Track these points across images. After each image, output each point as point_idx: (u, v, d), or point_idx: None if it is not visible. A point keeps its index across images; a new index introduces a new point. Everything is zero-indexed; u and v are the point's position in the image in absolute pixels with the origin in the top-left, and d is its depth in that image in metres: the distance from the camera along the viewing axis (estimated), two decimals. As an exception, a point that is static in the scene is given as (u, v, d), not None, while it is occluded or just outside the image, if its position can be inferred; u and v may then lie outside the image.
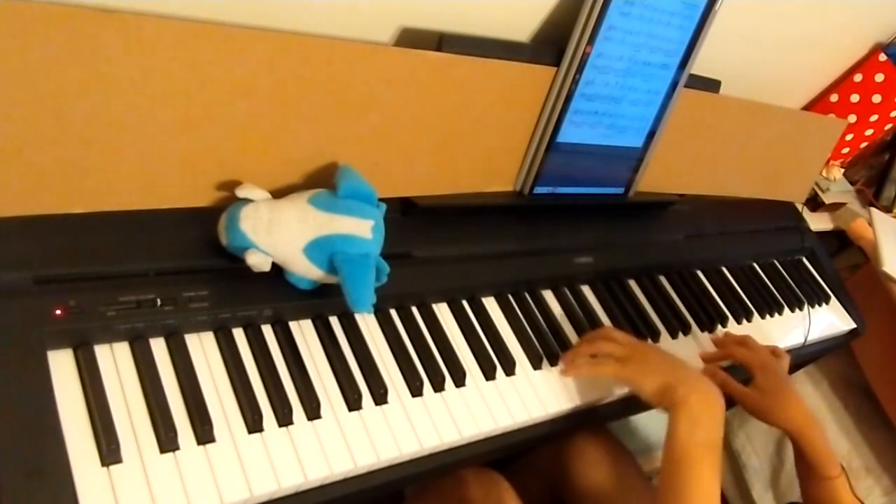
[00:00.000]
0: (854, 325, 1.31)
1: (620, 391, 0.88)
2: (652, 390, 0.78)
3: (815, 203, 1.46)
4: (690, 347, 1.01)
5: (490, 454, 0.78)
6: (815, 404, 1.53)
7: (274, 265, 0.69)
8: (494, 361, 0.82)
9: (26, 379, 0.56)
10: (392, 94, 0.76)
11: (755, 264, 1.26)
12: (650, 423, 1.25)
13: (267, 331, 0.71)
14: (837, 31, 1.25)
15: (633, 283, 1.05)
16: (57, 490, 0.53)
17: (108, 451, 0.56)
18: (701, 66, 0.98)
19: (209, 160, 0.70)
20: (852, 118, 1.39)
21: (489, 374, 0.80)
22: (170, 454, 0.59)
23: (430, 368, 0.77)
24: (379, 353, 0.75)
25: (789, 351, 1.15)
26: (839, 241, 1.61)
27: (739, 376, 0.95)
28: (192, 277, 0.67)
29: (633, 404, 0.92)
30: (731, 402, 1.67)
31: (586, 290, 0.98)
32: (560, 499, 1.06)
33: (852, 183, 1.54)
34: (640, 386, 0.79)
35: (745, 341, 1.00)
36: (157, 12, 0.64)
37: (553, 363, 0.86)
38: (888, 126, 1.43)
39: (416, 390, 0.74)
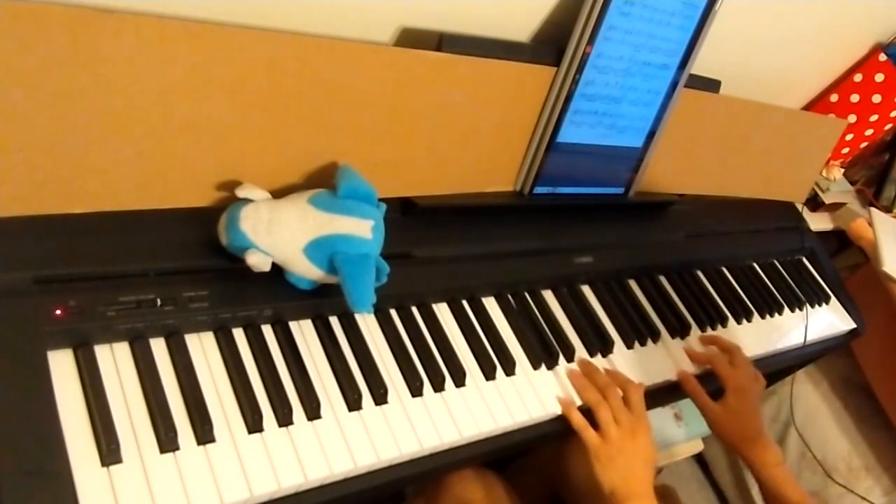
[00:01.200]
0: (854, 325, 1.31)
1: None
2: (603, 482, 0.79)
3: (815, 203, 1.46)
4: (690, 347, 1.01)
5: (490, 454, 0.78)
6: (815, 404, 1.53)
7: (274, 265, 0.69)
8: (494, 361, 0.82)
9: (26, 379, 0.56)
10: (392, 94, 0.76)
11: (755, 264, 1.26)
12: (649, 424, 1.25)
13: (267, 331, 0.71)
14: (837, 31, 1.25)
15: (633, 283, 1.05)
16: (57, 490, 0.53)
17: (108, 451, 0.56)
18: (701, 66, 0.98)
19: (209, 160, 0.70)
20: (852, 118, 1.39)
21: (489, 374, 0.80)
22: (170, 454, 0.59)
23: (430, 368, 0.77)
24: (379, 353, 0.75)
25: (789, 351, 1.16)
26: (839, 241, 1.61)
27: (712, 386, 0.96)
28: (192, 277, 0.67)
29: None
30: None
31: (586, 290, 0.98)
32: (560, 499, 1.06)
33: (852, 183, 1.54)
34: (598, 473, 0.79)
35: (732, 353, 0.99)
36: (157, 12, 0.64)
37: (552, 364, 0.86)
38: (888, 126, 1.43)
39: (416, 390, 0.74)
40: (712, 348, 1.01)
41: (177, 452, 0.60)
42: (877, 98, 1.36)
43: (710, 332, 1.06)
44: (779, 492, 0.92)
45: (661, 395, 0.96)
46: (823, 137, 1.35)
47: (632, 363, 0.93)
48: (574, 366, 0.88)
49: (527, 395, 0.81)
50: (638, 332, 0.97)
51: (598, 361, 0.90)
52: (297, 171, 0.76)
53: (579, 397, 0.84)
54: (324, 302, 0.74)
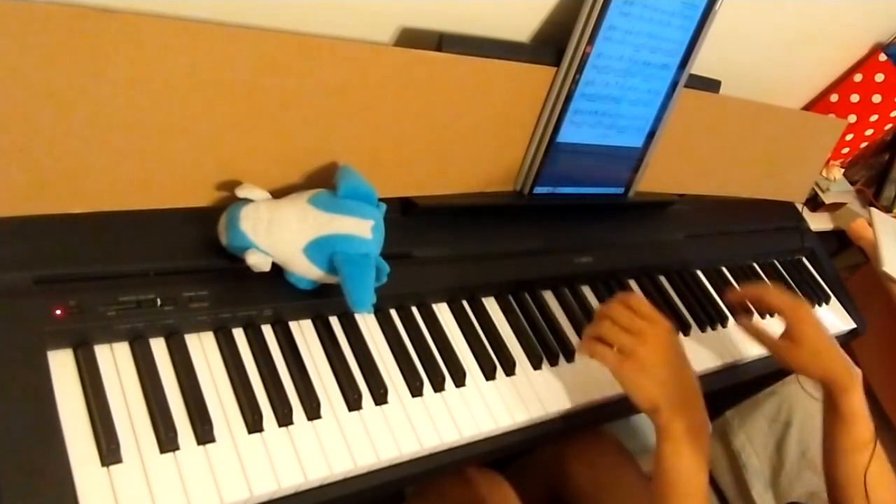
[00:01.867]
0: (854, 325, 1.31)
1: (620, 390, 0.88)
2: (640, 403, 0.74)
3: (815, 203, 1.46)
4: (690, 347, 1.01)
5: (490, 454, 0.77)
6: (815, 404, 1.53)
7: (274, 265, 0.69)
8: (494, 361, 0.82)
9: (26, 379, 0.56)
10: (392, 93, 0.76)
11: (755, 264, 1.26)
12: (650, 423, 1.25)
13: (267, 331, 0.71)
14: (837, 31, 1.25)
15: (633, 283, 1.05)
16: (57, 490, 0.53)
17: (108, 451, 0.56)
18: (701, 66, 0.98)
19: (209, 160, 0.70)
20: (852, 118, 1.39)
21: (489, 374, 0.80)
22: (170, 454, 0.59)
23: (430, 368, 0.77)
24: (379, 353, 0.75)
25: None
26: (839, 241, 1.61)
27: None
28: (192, 277, 0.67)
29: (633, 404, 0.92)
30: (731, 402, 1.67)
31: (586, 290, 0.98)
32: (560, 499, 1.06)
33: (852, 183, 1.54)
34: (630, 394, 0.75)
35: (769, 290, 0.94)
36: (157, 12, 0.64)
37: (553, 364, 0.86)
38: (888, 126, 1.43)
39: (416, 390, 0.74)
40: (755, 287, 0.96)
41: (177, 452, 0.60)
42: (877, 98, 1.36)
43: (710, 332, 1.06)
44: (851, 423, 0.84)
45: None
46: (823, 137, 1.35)
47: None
48: (575, 364, 0.87)
49: (527, 395, 0.81)
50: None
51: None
52: (297, 171, 0.76)
53: (593, 333, 0.79)
54: (324, 302, 0.74)
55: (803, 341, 0.87)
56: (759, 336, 0.90)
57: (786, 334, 0.89)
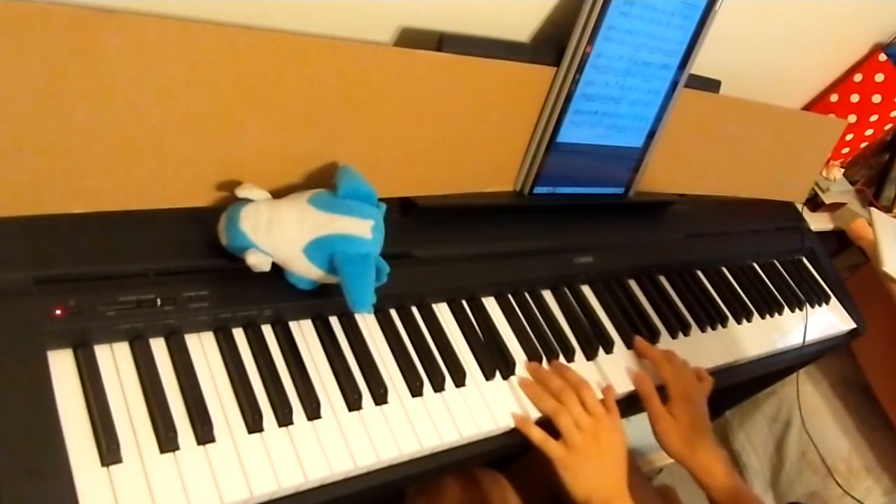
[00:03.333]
0: (854, 325, 1.31)
1: (620, 392, 0.88)
2: (575, 495, 0.76)
3: (815, 203, 1.46)
4: (690, 347, 1.01)
5: (490, 454, 0.78)
6: (815, 404, 1.53)
7: (274, 265, 0.69)
8: (494, 361, 0.82)
9: (26, 379, 0.56)
10: (392, 94, 0.76)
11: (755, 264, 1.26)
12: (650, 424, 1.25)
13: (267, 331, 0.71)
14: (837, 31, 1.25)
15: (633, 283, 1.05)
16: (57, 490, 0.53)
17: (108, 451, 0.56)
18: (701, 66, 0.98)
19: (209, 160, 0.70)
20: (852, 118, 1.39)
21: (489, 374, 0.80)
22: (170, 454, 0.59)
23: (430, 368, 0.77)
24: (379, 353, 0.75)
25: (789, 351, 1.16)
26: (839, 241, 1.61)
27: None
28: (192, 277, 0.67)
29: (633, 404, 0.92)
30: (731, 402, 1.67)
31: (586, 290, 0.98)
32: (560, 499, 1.06)
33: (852, 183, 1.54)
34: (568, 486, 0.76)
35: (670, 358, 0.93)
36: (157, 12, 0.64)
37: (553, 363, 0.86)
38: (888, 126, 1.43)
39: (416, 390, 0.74)
40: (652, 352, 0.94)
41: (177, 452, 0.60)
42: (877, 98, 1.36)
43: (710, 332, 1.06)
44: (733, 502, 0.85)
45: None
46: (823, 137, 1.35)
47: (632, 363, 0.93)
48: (574, 364, 0.87)
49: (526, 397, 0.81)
50: (638, 332, 0.96)
51: (599, 361, 0.90)
52: (297, 171, 0.76)
53: (536, 407, 0.80)
54: (324, 302, 0.74)
55: (682, 422, 0.87)
56: (649, 399, 0.88)
57: (669, 409, 0.88)
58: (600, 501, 0.75)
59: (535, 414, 0.80)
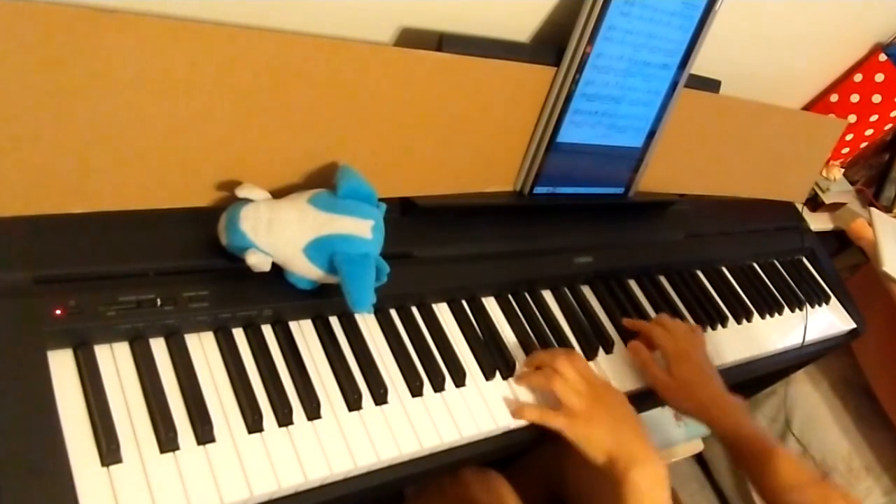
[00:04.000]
0: (854, 325, 1.31)
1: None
2: (595, 459, 0.73)
3: (815, 203, 1.46)
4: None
5: (490, 454, 0.78)
6: (815, 404, 1.53)
7: (274, 265, 0.69)
8: (494, 361, 0.82)
9: (26, 379, 0.56)
10: (392, 94, 0.76)
11: (755, 264, 1.26)
12: (650, 424, 1.25)
13: (267, 331, 0.71)
14: (837, 31, 1.25)
15: (633, 283, 1.05)
16: (57, 490, 0.53)
17: (108, 451, 0.56)
18: (701, 66, 0.98)
19: (209, 160, 0.70)
20: (852, 118, 1.39)
21: (489, 374, 0.80)
22: (170, 454, 0.59)
23: (430, 368, 0.77)
24: (379, 353, 0.76)
25: (789, 351, 1.16)
26: (839, 241, 1.61)
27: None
28: (192, 277, 0.67)
29: (633, 405, 0.92)
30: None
31: (586, 290, 0.98)
32: (559, 499, 1.06)
33: (852, 183, 1.54)
34: (585, 451, 0.74)
35: (660, 321, 0.93)
36: (157, 12, 0.64)
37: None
38: (888, 126, 1.43)
39: (416, 390, 0.74)
40: (643, 322, 0.94)
41: (177, 452, 0.60)
42: (877, 98, 1.36)
43: (710, 332, 1.06)
44: (756, 450, 0.82)
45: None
46: (823, 137, 1.35)
47: (631, 363, 0.93)
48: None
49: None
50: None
51: (599, 361, 0.90)
52: (297, 171, 0.76)
53: (528, 385, 0.80)
54: (324, 302, 0.74)
55: (681, 381, 0.86)
56: (647, 367, 0.88)
57: (668, 372, 0.88)
58: (623, 461, 0.71)
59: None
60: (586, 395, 0.76)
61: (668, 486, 0.72)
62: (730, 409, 0.85)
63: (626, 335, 0.95)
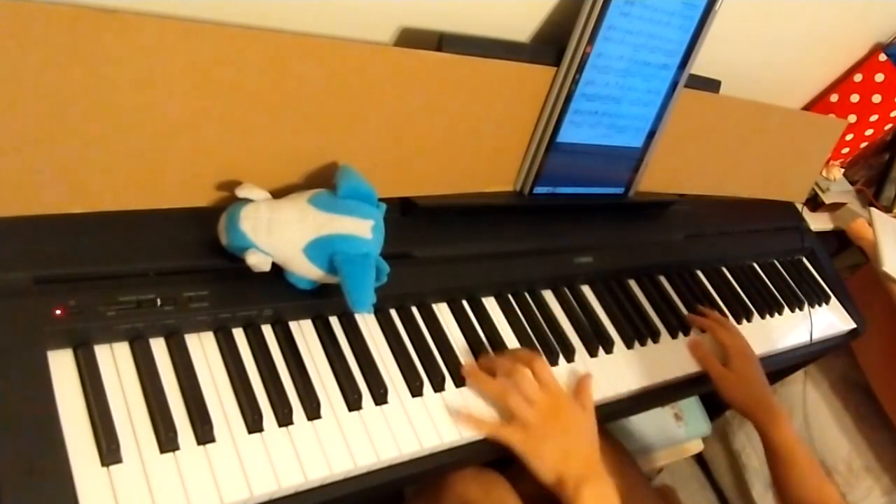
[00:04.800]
0: (854, 325, 1.31)
1: (619, 391, 0.88)
2: (545, 477, 0.71)
3: (815, 203, 1.46)
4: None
5: (490, 454, 0.77)
6: (815, 404, 1.53)
7: (274, 265, 0.69)
8: (494, 361, 0.82)
9: (26, 379, 0.56)
10: (392, 94, 0.76)
11: (755, 264, 1.26)
12: (650, 424, 1.25)
13: (267, 331, 0.71)
14: (837, 31, 1.25)
15: (633, 283, 1.05)
16: (57, 490, 0.53)
17: (108, 451, 0.56)
18: (701, 66, 0.98)
19: (209, 160, 0.70)
20: (852, 118, 1.39)
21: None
22: (170, 454, 0.59)
23: (430, 368, 0.77)
24: (379, 353, 0.75)
25: (789, 351, 1.16)
26: (839, 241, 1.61)
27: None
28: (192, 277, 0.67)
29: (633, 405, 0.92)
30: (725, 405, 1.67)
31: (586, 290, 0.98)
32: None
33: (852, 183, 1.54)
34: (534, 469, 0.71)
35: (724, 323, 1.03)
36: (157, 12, 0.64)
37: (553, 363, 0.86)
38: (888, 126, 1.43)
39: (416, 390, 0.74)
40: (706, 316, 1.04)
41: (177, 452, 0.60)
42: (877, 98, 1.36)
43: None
44: (789, 453, 0.91)
45: (661, 394, 0.96)
46: (823, 137, 1.35)
47: (632, 363, 0.93)
48: (574, 364, 0.87)
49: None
50: (638, 332, 0.97)
51: (599, 361, 0.90)
52: (297, 171, 0.76)
53: (480, 392, 0.75)
54: (324, 302, 0.74)
55: (742, 377, 0.95)
56: (706, 362, 0.96)
57: (729, 367, 0.96)
58: (573, 481, 0.69)
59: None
60: (542, 409, 0.72)
61: (617, 496, 0.71)
62: (776, 410, 0.92)
63: (626, 336, 0.95)
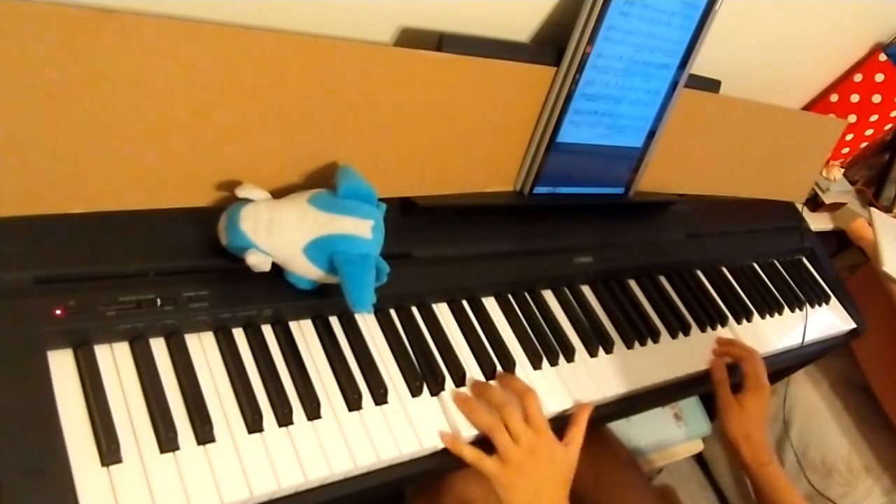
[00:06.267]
0: (854, 325, 1.31)
1: (619, 391, 0.88)
2: None
3: (815, 203, 1.46)
4: (690, 347, 1.01)
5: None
6: (815, 404, 1.53)
7: (274, 265, 0.69)
8: (494, 361, 0.82)
9: (26, 379, 0.56)
10: (392, 94, 0.76)
11: (755, 264, 1.26)
12: (650, 424, 1.25)
13: (267, 331, 0.71)
14: (837, 31, 1.25)
15: (633, 283, 1.05)
16: (57, 490, 0.53)
17: (108, 451, 0.56)
18: (701, 66, 0.98)
19: (209, 160, 0.70)
20: (852, 118, 1.39)
21: (489, 375, 0.80)
22: (170, 454, 0.59)
23: (430, 368, 0.77)
24: (379, 353, 0.75)
25: (789, 351, 1.16)
26: (839, 241, 1.61)
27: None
28: (192, 277, 0.67)
29: (633, 405, 0.92)
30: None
31: (586, 290, 0.98)
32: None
33: (852, 183, 1.54)
34: (504, 500, 0.73)
35: (752, 354, 1.01)
36: (157, 12, 0.64)
37: (553, 363, 0.86)
38: (888, 126, 1.43)
39: (416, 390, 0.74)
40: (734, 344, 1.04)
41: (177, 452, 0.60)
42: (877, 98, 1.36)
43: (710, 332, 1.06)
44: (774, 488, 0.96)
45: (661, 394, 0.96)
46: (823, 137, 1.35)
47: (632, 363, 0.93)
48: (575, 364, 0.87)
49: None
50: (638, 332, 0.97)
51: (599, 361, 0.90)
52: (297, 171, 0.76)
53: (470, 422, 0.75)
54: (324, 302, 0.74)
55: (749, 412, 0.97)
56: (720, 387, 0.99)
57: (740, 397, 0.98)
58: None
59: (543, 411, 0.77)
60: (524, 448, 0.73)
61: None
62: (765, 447, 0.97)
63: (626, 336, 0.95)
